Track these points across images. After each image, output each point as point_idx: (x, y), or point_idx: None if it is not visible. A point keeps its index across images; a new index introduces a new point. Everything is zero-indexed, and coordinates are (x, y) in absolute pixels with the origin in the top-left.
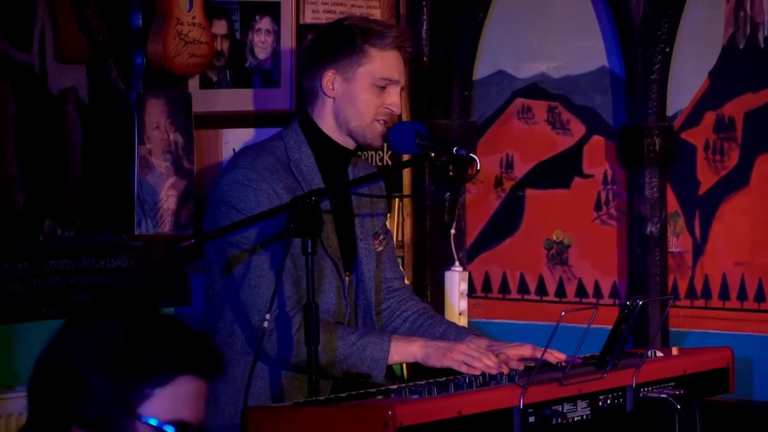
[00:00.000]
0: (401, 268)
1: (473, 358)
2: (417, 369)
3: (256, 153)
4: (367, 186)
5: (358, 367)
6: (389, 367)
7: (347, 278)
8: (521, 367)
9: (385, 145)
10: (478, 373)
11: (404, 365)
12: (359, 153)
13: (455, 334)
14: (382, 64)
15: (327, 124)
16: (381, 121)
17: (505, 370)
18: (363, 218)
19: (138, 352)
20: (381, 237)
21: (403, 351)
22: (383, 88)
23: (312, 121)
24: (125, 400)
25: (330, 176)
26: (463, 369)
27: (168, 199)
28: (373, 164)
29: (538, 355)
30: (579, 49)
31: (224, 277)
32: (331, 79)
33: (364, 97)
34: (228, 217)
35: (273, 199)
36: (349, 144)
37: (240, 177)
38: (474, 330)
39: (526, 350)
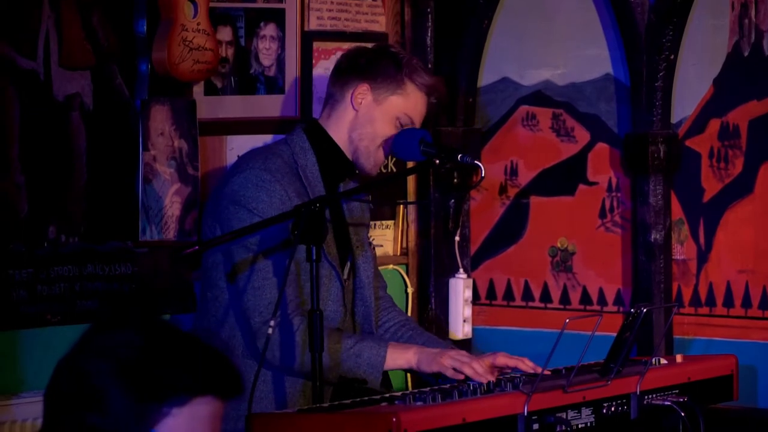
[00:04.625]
0: (405, 274)
1: (462, 362)
2: (420, 377)
3: (266, 156)
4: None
5: (354, 372)
6: (385, 376)
7: (346, 285)
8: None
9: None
10: (462, 378)
11: (408, 374)
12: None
13: (434, 346)
14: (414, 102)
15: (340, 133)
16: (384, 152)
17: (492, 378)
18: (357, 227)
19: (157, 371)
20: (372, 246)
21: (399, 357)
22: (402, 126)
23: (321, 129)
24: (142, 418)
25: (331, 185)
26: (449, 373)
27: (172, 205)
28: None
29: (511, 363)
30: (584, 57)
31: (227, 281)
32: (363, 93)
33: (382, 124)
34: (238, 217)
35: (285, 200)
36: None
37: (252, 177)
38: (452, 344)
39: (499, 359)
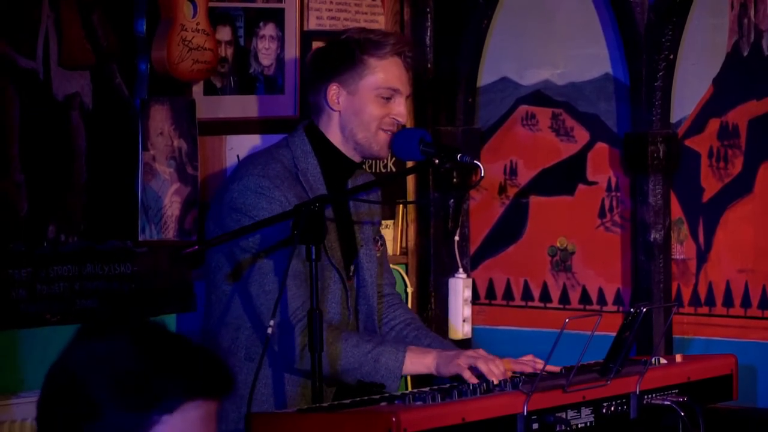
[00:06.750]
0: (405, 274)
1: (477, 358)
2: (421, 377)
3: (266, 161)
4: (365, 193)
5: (372, 376)
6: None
7: (349, 285)
8: None
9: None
10: (476, 381)
11: None
12: (363, 163)
13: (439, 347)
14: (384, 74)
15: (334, 136)
16: (386, 131)
17: (507, 377)
18: (363, 225)
19: (144, 379)
20: (379, 243)
21: (418, 362)
22: (388, 99)
23: (319, 131)
24: (134, 427)
25: (334, 186)
26: (466, 375)
27: (172, 205)
28: (376, 171)
29: (516, 366)
30: (583, 56)
31: (229, 284)
32: (335, 93)
33: (369, 109)
34: (240, 223)
35: (285, 206)
36: (356, 156)
37: (252, 184)
38: (457, 346)
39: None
